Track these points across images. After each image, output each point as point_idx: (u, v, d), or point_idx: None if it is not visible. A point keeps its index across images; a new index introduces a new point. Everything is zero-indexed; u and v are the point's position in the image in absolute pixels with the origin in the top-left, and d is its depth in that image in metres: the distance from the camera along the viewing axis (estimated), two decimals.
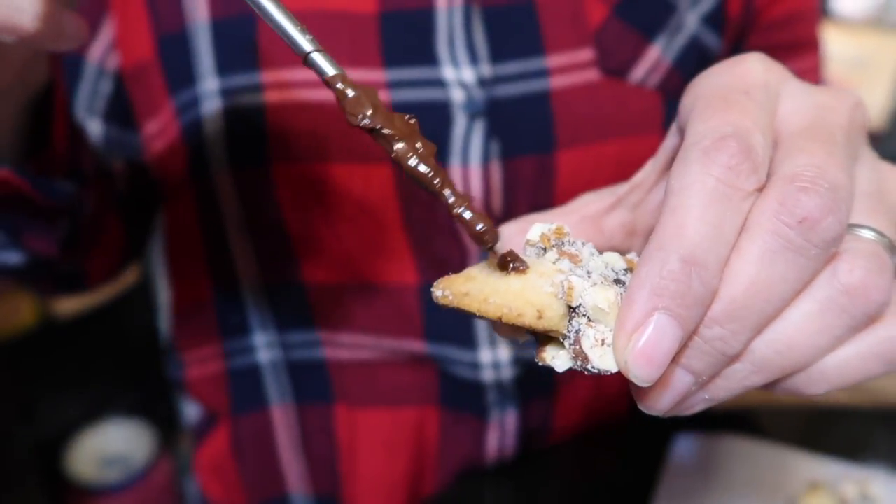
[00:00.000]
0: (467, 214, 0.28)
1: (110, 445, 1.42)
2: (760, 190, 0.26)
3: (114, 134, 0.60)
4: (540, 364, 0.29)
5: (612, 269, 0.29)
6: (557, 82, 0.56)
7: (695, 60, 0.59)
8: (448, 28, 0.54)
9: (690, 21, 0.59)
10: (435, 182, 0.28)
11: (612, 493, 0.64)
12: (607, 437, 0.69)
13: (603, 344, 0.26)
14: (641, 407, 0.27)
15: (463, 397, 0.63)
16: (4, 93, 0.39)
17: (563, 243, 0.29)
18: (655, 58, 0.57)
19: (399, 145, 0.28)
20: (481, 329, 0.60)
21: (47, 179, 0.46)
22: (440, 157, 0.56)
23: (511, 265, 0.28)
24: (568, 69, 0.56)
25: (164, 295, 0.75)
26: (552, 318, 0.27)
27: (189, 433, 0.75)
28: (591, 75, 0.56)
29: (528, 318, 0.27)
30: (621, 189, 0.34)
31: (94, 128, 0.60)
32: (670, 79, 0.58)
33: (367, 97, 0.29)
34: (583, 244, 0.29)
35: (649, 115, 0.58)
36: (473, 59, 0.55)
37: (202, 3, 0.55)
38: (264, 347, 0.64)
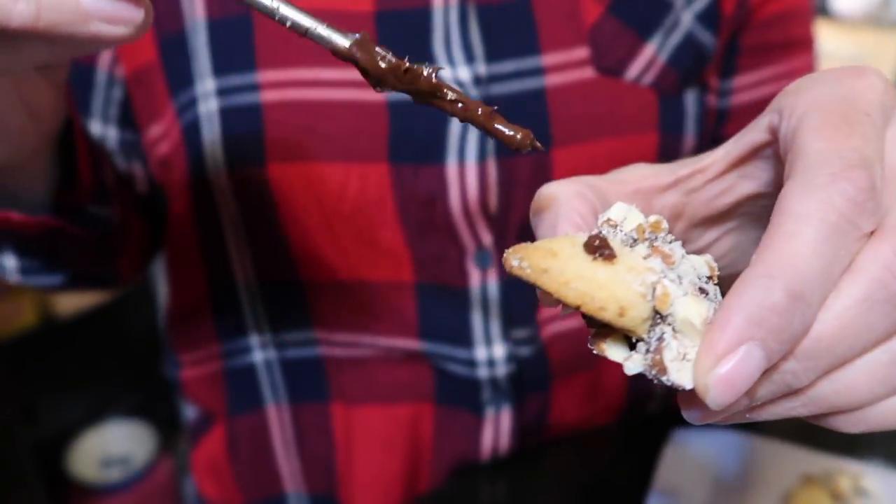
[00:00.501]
0: (499, 126, 0.28)
1: (111, 446, 1.43)
2: (871, 231, 0.26)
3: (129, 138, 0.61)
4: (594, 351, 0.28)
5: (698, 276, 0.27)
6: (553, 80, 0.56)
7: (690, 58, 0.59)
8: (444, 27, 0.55)
9: (685, 19, 0.59)
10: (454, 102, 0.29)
11: (608, 490, 0.65)
12: (603, 434, 0.69)
13: (684, 358, 0.25)
14: (685, 414, 0.27)
15: (458, 394, 0.64)
16: (44, 133, 0.41)
17: (656, 237, 0.28)
18: (650, 56, 0.58)
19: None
20: (477, 327, 0.61)
21: (81, 211, 0.50)
22: (436, 155, 0.56)
23: (599, 251, 0.26)
24: (563, 67, 0.56)
25: (163, 295, 0.76)
26: (634, 318, 0.26)
27: (187, 433, 0.76)
28: (587, 73, 0.56)
29: (610, 314, 0.26)
30: (682, 170, 0.33)
31: (111, 135, 0.61)
32: (665, 77, 0.59)
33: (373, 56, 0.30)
34: (673, 241, 0.28)
35: (645, 113, 0.58)
36: (469, 57, 0.55)
37: (199, 3, 0.55)
38: (259, 348, 0.64)
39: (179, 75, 0.56)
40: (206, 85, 0.55)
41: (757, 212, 0.34)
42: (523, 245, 0.27)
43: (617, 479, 0.66)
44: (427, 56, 0.55)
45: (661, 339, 0.26)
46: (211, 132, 0.56)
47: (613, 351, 0.27)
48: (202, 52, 0.55)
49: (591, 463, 0.67)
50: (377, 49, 0.30)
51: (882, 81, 0.29)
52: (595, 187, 0.32)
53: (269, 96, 0.54)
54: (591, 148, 0.58)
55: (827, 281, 0.25)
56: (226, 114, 0.55)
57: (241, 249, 0.61)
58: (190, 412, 0.73)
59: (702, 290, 0.27)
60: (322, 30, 0.30)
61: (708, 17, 0.60)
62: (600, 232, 0.28)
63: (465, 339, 0.61)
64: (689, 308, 0.25)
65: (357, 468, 0.66)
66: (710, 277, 0.28)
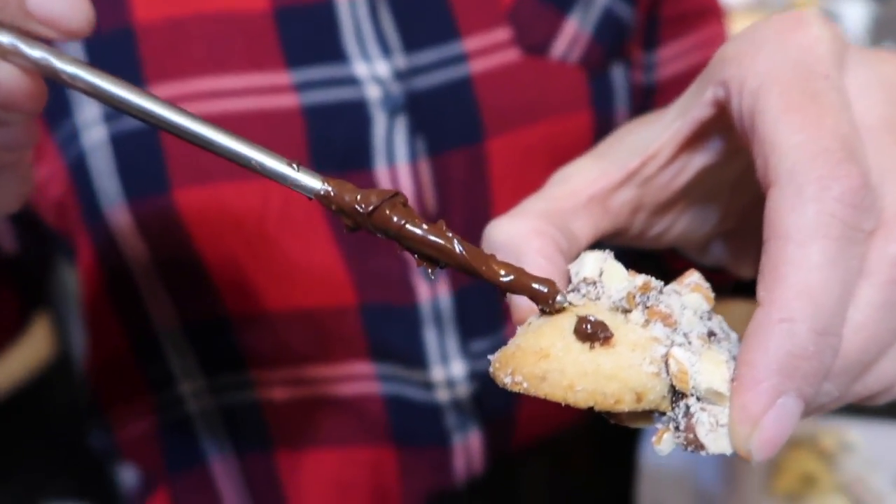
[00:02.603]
0: (521, 282, 0.24)
1: None
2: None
3: None
4: (613, 423, 0.24)
5: (698, 317, 0.24)
6: (477, 66, 0.50)
7: (612, 32, 0.54)
8: (353, 20, 0.48)
9: None
10: (468, 261, 0.24)
11: (593, 490, 0.58)
12: (577, 436, 0.63)
13: (717, 425, 0.22)
14: None
15: (419, 428, 0.56)
16: None
17: (648, 297, 0.23)
18: (573, 31, 0.53)
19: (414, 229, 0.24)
20: (431, 345, 0.53)
21: None
22: (363, 161, 0.49)
23: (594, 337, 0.22)
24: (486, 51, 0.50)
25: (81, 364, 0.65)
26: (654, 399, 0.22)
27: (128, 501, 0.65)
28: (512, 55, 0.51)
29: (627, 405, 0.22)
30: (631, 162, 0.29)
31: None
32: (591, 52, 0.54)
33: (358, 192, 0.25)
34: (662, 290, 0.24)
35: (575, 92, 0.53)
36: (385, 50, 0.48)
37: None
38: (193, 396, 0.55)
39: (53, 105, 0.47)
40: (86, 112, 0.46)
41: (706, 184, 0.31)
42: (508, 352, 0.23)
43: (600, 478, 0.59)
44: (338, 53, 0.47)
45: (687, 413, 0.22)
46: (101, 165, 0.47)
47: (634, 422, 0.24)
48: None
49: (572, 468, 0.61)
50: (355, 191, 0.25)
51: (826, 28, 0.25)
52: (549, 214, 0.28)
53: None
54: (525, 134, 0.52)
55: (846, 299, 0.22)
56: (117, 141, 0.46)
57: (155, 290, 0.51)
58: (127, 478, 0.62)
59: (710, 334, 0.23)
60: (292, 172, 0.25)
61: None
62: (577, 290, 0.24)
63: (419, 360, 0.53)
64: (712, 376, 0.22)
65: None
66: (711, 311, 0.24)
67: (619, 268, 0.24)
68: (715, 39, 0.61)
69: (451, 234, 0.24)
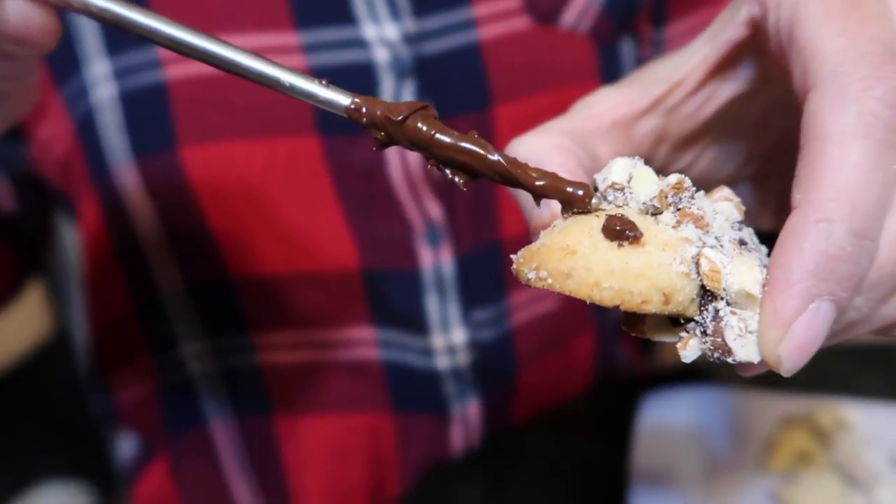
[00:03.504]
0: (555, 185, 0.23)
1: None
2: None
3: None
4: (633, 334, 0.23)
5: (730, 225, 0.23)
6: (487, 32, 0.49)
7: (621, 6, 0.54)
8: None
9: None
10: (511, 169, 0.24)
11: (587, 467, 0.57)
12: (574, 412, 0.62)
13: (746, 331, 0.21)
14: (742, 374, 0.23)
15: (418, 396, 0.55)
16: None
17: (680, 199, 0.23)
18: (584, 2, 0.52)
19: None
20: (432, 311, 0.52)
21: None
22: None
23: (624, 235, 0.21)
24: (496, 17, 0.49)
25: (81, 342, 0.64)
26: (682, 302, 0.21)
27: (125, 475, 0.63)
28: (521, 23, 0.50)
29: (654, 305, 0.21)
30: (657, 89, 0.28)
31: None
32: (601, 24, 0.53)
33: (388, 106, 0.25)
34: (693, 194, 0.23)
35: (584, 62, 0.53)
36: (395, 13, 0.47)
37: None
38: (194, 358, 0.54)
39: (63, 60, 0.46)
40: (96, 68, 0.45)
41: (732, 119, 0.30)
42: (532, 248, 0.22)
43: (595, 455, 0.58)
44: (348, 14, 0.47)
45: (716, 317, 0.21)
46: (110, 122, 0.46)
47: (658, 333, 0.23)
48: (89, 30, 0.45)
49: (567, 443, 0.60)
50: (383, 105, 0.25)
51: None
52: (572, 133, 0.27)
53: (173, 72, 0.45)
54: (532, 102, 0.51)
55: (885, 204, 0.21)
56: (127, 98, 0.45)
57: (160, 250, 0.50)
58: (125, 449, 0.61)
59: (741, 243, 0.22)
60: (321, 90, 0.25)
61: None
62: (604, 197, 0.23)
63: (420, 326, 0.53)
64: (744, 277, 0.21)
65: (311, 481, 0.56)
66: (743, 222, 0.24)
67: (649, 172, 0.23)
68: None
69: (484, 141, 0.24)
